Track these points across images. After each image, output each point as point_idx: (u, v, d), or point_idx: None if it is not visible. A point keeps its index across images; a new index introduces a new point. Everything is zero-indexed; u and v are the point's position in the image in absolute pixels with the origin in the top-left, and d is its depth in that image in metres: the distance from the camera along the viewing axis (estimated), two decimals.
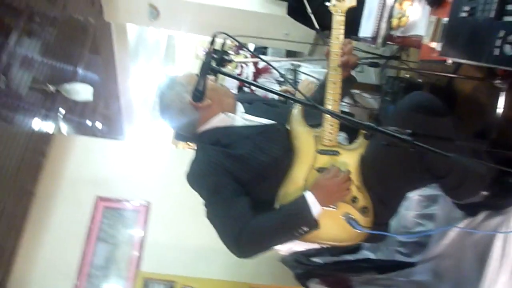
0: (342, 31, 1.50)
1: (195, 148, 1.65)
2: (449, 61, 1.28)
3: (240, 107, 1.68)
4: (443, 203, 1.85)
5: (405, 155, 1.40)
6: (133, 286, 3.32)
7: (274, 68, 1.36)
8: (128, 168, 3.72)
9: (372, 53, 2.54)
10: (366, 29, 1.92)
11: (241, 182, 1.50)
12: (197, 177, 1.55)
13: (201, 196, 1.56)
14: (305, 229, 1.42)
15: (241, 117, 1.63)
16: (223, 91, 1.65)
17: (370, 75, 3.94)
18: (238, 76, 1.57)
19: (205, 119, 1.61)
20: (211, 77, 1.56)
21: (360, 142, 1.52)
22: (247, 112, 1.67)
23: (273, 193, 1.51)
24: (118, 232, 3.57)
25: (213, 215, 1.51)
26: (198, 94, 1.30)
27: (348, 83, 1.65)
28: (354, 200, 1.48)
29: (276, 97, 1.91)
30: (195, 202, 1.60)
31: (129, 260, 3.46)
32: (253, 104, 1.72)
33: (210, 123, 1.61)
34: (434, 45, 1.37)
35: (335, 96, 1.49)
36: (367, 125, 1.10)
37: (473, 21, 1.11)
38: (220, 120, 1.60)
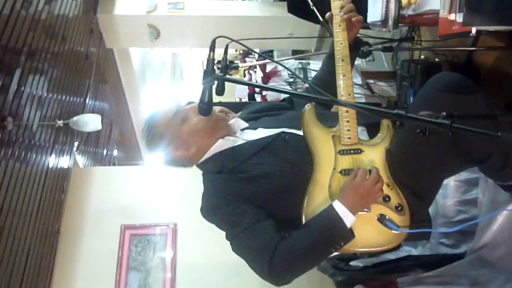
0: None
1: (202, 178, 1.55)
2: (473, 31, 1.15)
3: (241, 124, 1.57)
4: (484, 185, 1.71)
5: (439, 141, 1.28)
6: None
7: (283, 66, 1.24)
8: (150, 192, 3.68)
9: (382, 38, 2.42)
10: (374, 13, 1.80)
11: (259, 204, 1.39)
12: (211, 211, 1.45)
13: (221, 229, 1.45)
14: (342, 243, 1.30)
15: (241, 137, 1.52)
16: (209, 125, 1.51)
17: (382, 63, 3.81)
18: (246, 81, 1.45)
19: (202, 154, 1.53)
20: (189, 117, 1.50)
21: (384, 135, 1.38)
22: (251, 126, 1.55)
23: (297, 206, 1.38)
24: (148, 258, 3.51)
25: (238, 249, 1.40)
26: (206, 107, 1.20)
27: (357, 49, 1.54)
28: (386, 199, 1.33)
29: (281, 101, 1.80)
30: None
31: (163, 285, 3.40)
32: (259, 120, 1.59)
33: (209, 153, 1.52)
34: (453, 16, 1.24)
35: (348, 88, 1.36)
36: (396, 113, 0.97)
37: None
38: (219, 146, 1.50)
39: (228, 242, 1.43)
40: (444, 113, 0.94)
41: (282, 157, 1.42)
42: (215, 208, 1.42)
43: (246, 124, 1.57)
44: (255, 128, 1.54)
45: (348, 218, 1.29)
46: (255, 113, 1.63)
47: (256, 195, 1.39)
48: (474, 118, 1.12)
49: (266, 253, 1.32)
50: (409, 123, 1.04)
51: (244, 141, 1.50)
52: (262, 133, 1.50)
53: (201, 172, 1.57)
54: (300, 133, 1.46)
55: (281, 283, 1.35)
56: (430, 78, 1.32)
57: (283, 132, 1.47)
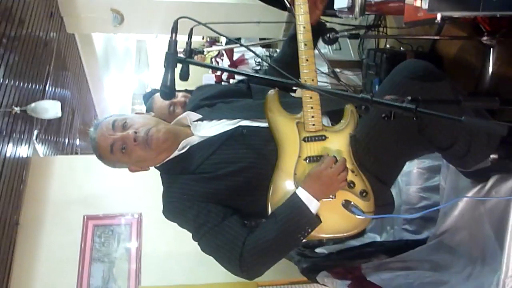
0: None
1: (161, 178, 1.51)
2: (439, 17, 1.15)
3: (193, 117, 1.52)
4: (446, 172, 1.74)
5: (404, 127, 1.29)
6: None
7: (250, 50, 1.20)
8: (114, 182, 3.59)
9: (349, 25, 2.43)
10: None
11: (222, 201, 1.37)
12: (174, 214, 1.41)
13: (185, 229, 1.42)
14: (309, 230, 1.29)
15: (196, 133, 1.48)
16: (155, 150, 1.43)
17: (348, 52, 3.84)
18: (211, 65, 1.40)
19: (158, 163, 1.49)
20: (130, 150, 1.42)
21: (347, 121, 1.37)
22: (206, 118, 1.51)
23: (263, 197, 1.36)
24: (112, 249, 3.46)
25: (206, 248, 1.37)
26: (168, 91, 1.15)
27: (319, 33, 1.52)
28: (350, 185, 1.33)
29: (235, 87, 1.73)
30: None
31: (129, 276, 3.35)
32: (213, 107, 1.55)
33: (165, 160, 1.48)
34: (419, 3, 1.24)
35: (311, 74, 1.32)
36: (362, 97, 0.96)
37: None
38: (174, 154, 1.46)
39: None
40: (409, 98, 0.93)
41: (242, 151, 1.39)
42: (179, 211, 1.39)
43: (198, 116, 1.52)
44: (210, 119, 1.49)
45: (312, 204, 1.28)
46: (209, 99, 1.59)
47: (219, 193, 1.37)
48: (439, 103, 1.12)
49: (234, 250, 1.30)
50: (374, 109, 1.03)
51: (200, 139, 1.46)
52: (218, 127, 1.47)
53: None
54: (257, 124, 1.44)
55: (254, 276, 1.34)
56: (396, 66, 1.32)
57: (240, 126, 1.44)
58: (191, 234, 1.41)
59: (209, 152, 1.41)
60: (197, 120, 1.51)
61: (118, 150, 1.42)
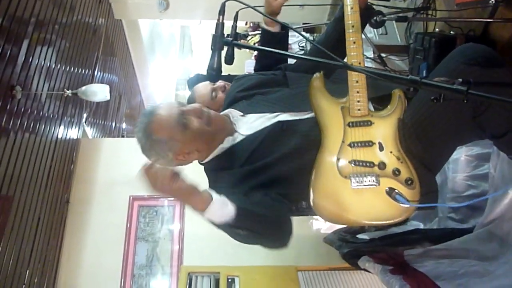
0: None
1: (206, 175, 1.53)
2: None
3: (235, 114, 1.54)
4: (496, 160, 1.68)
5: (455, 112, 1.25)
6: (177, 281, 3.28)
7: (297, 31, 1.18)
8: None
9: (397, 7, 2.35)
10: None
11: (267, 192, 1.38)
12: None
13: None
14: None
15: (239, 131, 1.50)
16: (209, 130, 1.45)
17: (395, 36, 3.73)
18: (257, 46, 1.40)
19: (202, 158, 1.51)
20: (190, 121, 1.42)
21: (395, 106, 1.33)
22: (245, 112, 1.52)
23: (305, 183, 1.36)
24: (156, 229, 3.56)
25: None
26: (214, 73, 1.17)
27: (367, 15, 1.48)
28: (396, 173, 1.29)
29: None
30: None
31: (171, 256, 3.45)
32: (251, 100, 1.55)
33: (211, 156, 1.50)
34: None
35: (359, 57, 1.29)
36: (410, 79, 0.94)
37: None
38: (219, 150, 1.48)
39: None
40: (460, 80, 0.90)
41: (284, 144, 1.40)
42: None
43: (239, 113, 1.54)
44: (250, 114, 1.51)
45: (207, 215, 1.25)
46: (246, 91, 1.60)
47: (263, 185, 1.38)
48: (493, 86, 1.08)
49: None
50: (423, 93, 1.00)
51: (242, 137, 1.48)
52: (257, 122, 1.48)
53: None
54: (296, 117, 1.44)
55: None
56: (451, 51, 1.27)
57: (279, 121, 1.45)
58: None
59: (250, 150, 1.43)
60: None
61: (182, 125, 1.41)
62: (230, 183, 1.41)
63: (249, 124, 1.50)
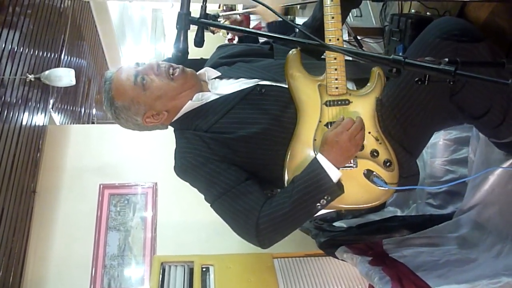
0: None
1: (175, 134, 1.44)
2: None
3: (211, 73, 1.44)
4: (476, 144, 1.64)
5: (434, 92, 1.19)
6: (150, 271, 3.20)
7: (272, 10, 1.09)
8: (129, 151, 3.59)
9: None
10: None
11: (238, 164, 1.30)
12: (187, 169, 1.34)
13: (197, 188, 1.36)
14: (328, 198, 1.21)
15: (213, 90, 1.40)
16: (174, 85, 1.37)
17: (370, 19, 3.68)
18: (228, 25, 1.31)
19: (173, 116, 1.42)
20: (149, 80, 1.36)
21: (374, 84, 1.27)
22: (224, 76, 1.42)
23: (280, 163, 1.29)
24: (128, 218, 3.46)
25: (221, 211, 1.32)
26: (181, 55, 1.07)
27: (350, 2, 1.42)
28: (374, 154, 1.25)
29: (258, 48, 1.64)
30: None
31: (144, 245, 3.37)
32: (232, 66, 1.46)
33: (181, 112, 1.41)
34: None
35: (336, 33, 1.22)
36: (393, 59, 0.87)
37: None
38: (190, 106, 1.39)
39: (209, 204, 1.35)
40: (446, 59, 0.84)
41: (260, 111, 1.31)
42: (191, 166, 1.32)
43: (217, 73, 1.44)
44: (228, 77, 1.41)
45: (332, 171, 1.20)
46: (229, 58, 1.50)
47: (235, 155, 1.30)
48: (479, 66, 1.02)
49: (251, 217, 1.25)
50: (405, 72, 0.94)
51: (216, 96, 1.38)
52: (235, 85, 1.38)
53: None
54: (277, 84, 1.35)
55: (269, 245, 1.28)
56: (429, 25, 1.21)
57: (258, 84, 1.35)
58: (203, 196, 1.35)
59: (224, 111, 1.34)
60: (215, 78, 1.44)
61: (140, 85, 1.35)
62: (198, 144, 1.33)
63: (225, 86, 1.41)
